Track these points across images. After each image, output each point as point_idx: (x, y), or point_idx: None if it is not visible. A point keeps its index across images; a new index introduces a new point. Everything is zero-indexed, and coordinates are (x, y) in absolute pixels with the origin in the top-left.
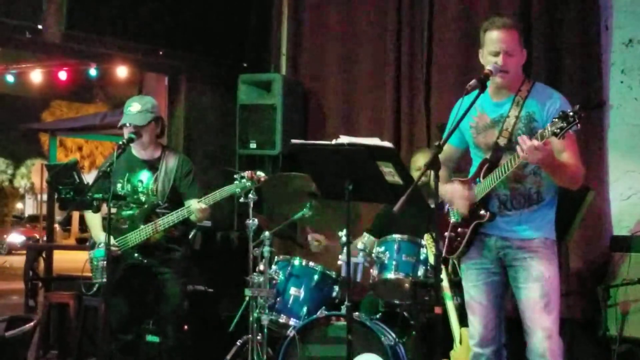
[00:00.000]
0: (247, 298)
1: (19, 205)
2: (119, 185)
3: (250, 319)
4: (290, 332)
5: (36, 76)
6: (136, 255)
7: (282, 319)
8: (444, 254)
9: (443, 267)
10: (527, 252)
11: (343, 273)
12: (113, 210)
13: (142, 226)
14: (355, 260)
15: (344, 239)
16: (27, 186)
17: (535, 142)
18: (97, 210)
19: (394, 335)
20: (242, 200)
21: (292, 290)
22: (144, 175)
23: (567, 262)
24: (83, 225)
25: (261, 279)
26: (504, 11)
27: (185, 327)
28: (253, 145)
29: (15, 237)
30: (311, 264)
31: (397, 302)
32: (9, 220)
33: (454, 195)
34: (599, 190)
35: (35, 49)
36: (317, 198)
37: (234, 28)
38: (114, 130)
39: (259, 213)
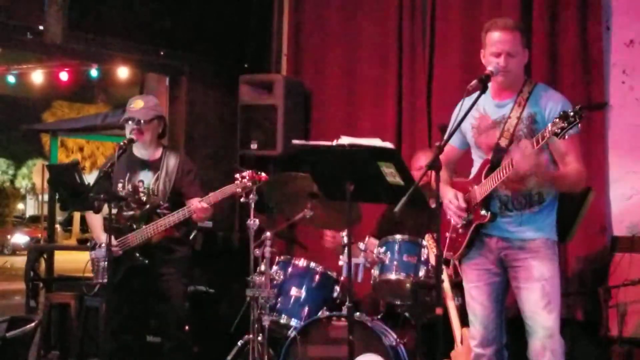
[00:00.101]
0: (248, 298)
1: (20, 206)
2: (120, 186)
3: (251, 319)
4: (291, 333)
5: (37, 77)
6: (137, 255)
7: (283, 320)
8: (445, 255)
9: (444, 267)
10: (528, 252)
11: (344, 274)
12: (114, 210)
13: (143, 226)
14: (356, 261)
15: (345, 239)
16: (28, 187)
17: (529, 147)
18: (98, 210)
19: (395, 335)
20: (243, 200)
21: (293, 291)
22: (145, 176)
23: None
24: (84, 226)
25: (262, 279)
26: (506, 10)
27: (187, 327)
28: (254, 146)
29: (20, 238)
30: (312, 264)
31: (398, 302)
32: (10, 220)
33: (449, 207)
34: (599, 190)
35: (37, 49)
36: (318, 198)
37: (234, 28)
38: (115, 130)
39: (260, 213)
